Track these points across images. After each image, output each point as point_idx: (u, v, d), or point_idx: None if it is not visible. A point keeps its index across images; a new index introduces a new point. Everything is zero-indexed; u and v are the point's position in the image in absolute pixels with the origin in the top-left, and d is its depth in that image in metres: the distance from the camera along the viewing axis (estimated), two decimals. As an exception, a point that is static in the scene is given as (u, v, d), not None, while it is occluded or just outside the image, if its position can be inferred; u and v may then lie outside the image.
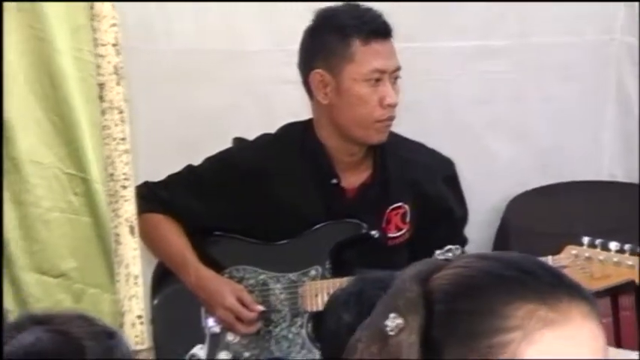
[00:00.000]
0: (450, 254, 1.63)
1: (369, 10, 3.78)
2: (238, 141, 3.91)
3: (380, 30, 3.71)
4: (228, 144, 3.90)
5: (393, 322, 1.61)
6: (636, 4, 4.57)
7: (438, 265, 1.65)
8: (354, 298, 2.93)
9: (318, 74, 3.72)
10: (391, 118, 3.74)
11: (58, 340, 1.75)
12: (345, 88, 3.71)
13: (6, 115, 3.34)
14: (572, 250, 3.59)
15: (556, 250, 3.60)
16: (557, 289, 1.63)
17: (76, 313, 1.86)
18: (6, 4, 3.26)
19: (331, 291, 3.50)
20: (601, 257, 3.57)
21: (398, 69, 3.73)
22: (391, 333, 1.62)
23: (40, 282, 3.41)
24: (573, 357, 1.60)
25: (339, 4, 3.85)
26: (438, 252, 1.65)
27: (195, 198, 3.83)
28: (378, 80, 3.70)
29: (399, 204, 3.81)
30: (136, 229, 3.26)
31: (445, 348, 1.63)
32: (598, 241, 3.59)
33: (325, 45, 3.73)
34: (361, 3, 3.81)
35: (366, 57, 3.69)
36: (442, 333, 1.64)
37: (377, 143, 3.78)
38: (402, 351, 1.62)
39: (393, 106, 3.71)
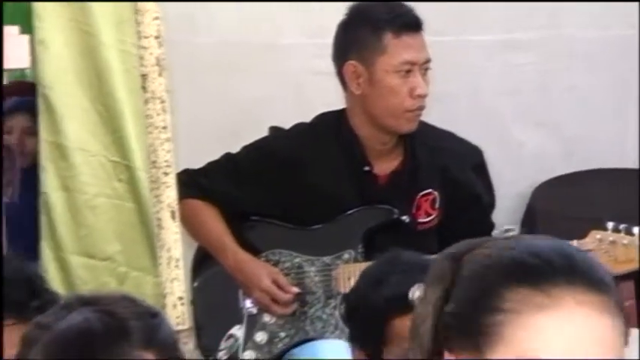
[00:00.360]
0: (510, 234, 1.65)
1: (401, 4, 3.79)
2: (274, 130, 3.94)
3: (411, 23, 3.73)
4: (264, 133, 3.94)
5: (414, 294, 1.59)
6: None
7: (473, 244, 1.65)
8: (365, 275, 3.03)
9: (351, 66, 3.74)
10: (421, 108, 3.75)
11: (105, 320, 1.75)
12: (378, 79, 3.73)
13: (55, 104, 3.35)
14: (596, 234, 3.60)
15: (581, 235, 3.60)
16: (557, 274, 1.61)
17: (121, 294, 1.86)
18: None
19: None
20: (625, 241, 3.58)
21: (428, 61, 3.75)
22: (416, 303, 1.67)
23: (87, 265, 3.41)
24: (562, 343, 1.59)
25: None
26: (496, 232, 1.68)
27: (234, 184, 3.84)
28: (408, 72, 3.71)
29: (429, 190, 3.82)
30: (177, 214, 3.29)
31: (449, 318, 1.65)
32: (622, 226, 3.60)
33: (358, 38, 3.75)
34: None
35: (397, 49, 3.71)
36: (452, 308, 1.65)
37: (407, 132, 3.79)
38: (419, 321, 1.66)
39: (422, 96, 3.72)
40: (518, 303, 1.60)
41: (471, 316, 1.63)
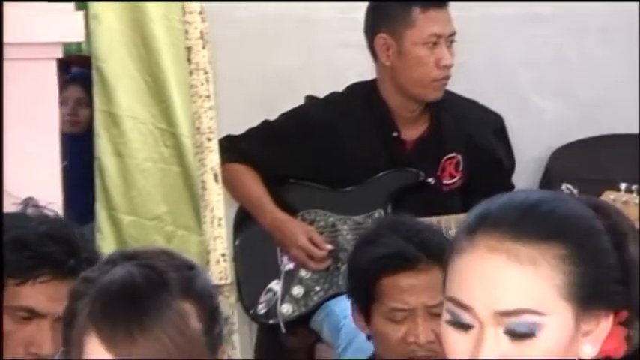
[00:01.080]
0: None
1: None
2: (310, 98, 3.94)
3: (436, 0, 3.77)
4: (300, 101, 3.94)
5: None
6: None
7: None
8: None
9: (382, 38, 3.77)
10: (446, 78, 3.78)
11: (145, 272, 1.75)
12: (406, 51, 3.76)
13: (108, 75, 3.36)
14: (610, 195, 3.62)
15: (595, 195, 3.51)
16: (483, 223, 1.63)
17: (160, 249, 1.86)
18: None
19: None
20: (636, 201, 3.61)
21: (453, 34, 3.77)
22: None
23: (137, 224, 3.43)
24: (470, 284, 1.62)
25: None
26: None
27: (271, 149, 3.85)
28: (435, 44, 3.74)
29: (453, 154, 3.85)
30: (220, 177, 3.34)
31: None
32: (634, 187, 3.62)
33: (389, 13, 3.78)
34: None
35: (424, 23, 3.73)
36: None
37: (433, 100, 3.82)
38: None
39: (448, 66, 3.75)
40: (456, 247, 1.64)
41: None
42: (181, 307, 1.73)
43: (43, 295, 2.44)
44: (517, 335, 1.58)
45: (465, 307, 1.61)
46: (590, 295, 1.60)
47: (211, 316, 1.78)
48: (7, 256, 2.45)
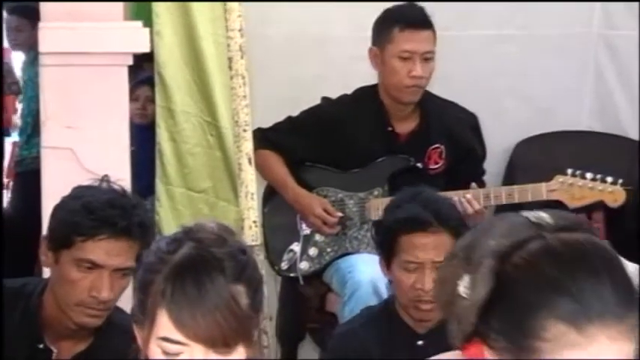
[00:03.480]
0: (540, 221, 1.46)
1: (414, 7, 3.77)
2: (324, 99, 3.96)
3: (415, 22, 3.71)
4: (317, 102, 3.95)
5: (463, 287, 1.48)
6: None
7: (520, 241, 1.46)
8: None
9: (372, 50, 3.79)
10: (417, 85, 3.73)
11: (206, 261, 1.70)
12: (386, 62, 3.76)
13: (167, 79, 3.34)
14: (559, 178, 3.63)
15: (548, 178, 3.64)
16: (592, 311, 1.40)
17: (218, 231, 1.77)
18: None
19: None
20: (579, 184, 3.62)
21: (428, 52, 3.71)
22: (463, 295, 1.49)
23: (187, 196, 3.41)
24: None
25: (402, 3, 3.84)
26: (525, 214, 1.49)
27: (293, 139, 3.86)
28: (407, 58, 3.70)
29: (437, 145, 3.85)
30: (253, 160, 3.38)
31: (493, 322, 1.46)
32: (578, 172, 3.63)
33: (379, 30, 3.79)
34: (418, 2, 3.81)
35: (400, 40, 3.71)
36: (497, 310, 1.46)
37: (409, 102, 3.80)
38: (463, 311, 1.49)
39: (417, 77, 3.70)
40: (554, 337, 1.40)
41: (517, 332, 1.43)
42: (235, 290, 1.69)
43: (101, 250, 2.43)
44: None
45: None
46: None
47: (256, 291, 1.74)
48: (77, 218, 2.44)
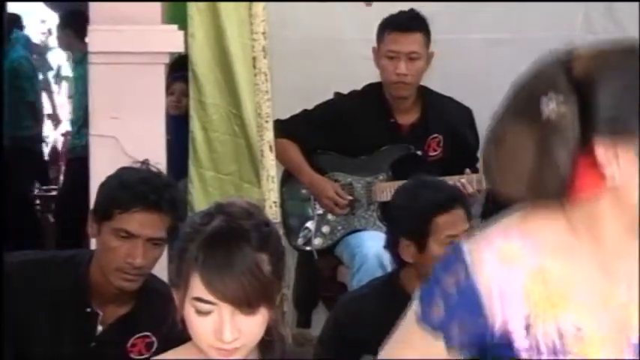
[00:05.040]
0: None
1: (405, 13, 3.76)
2: (336, 94, 3.98)
3: (401, 26, 3.72)
4: (331, 97, 3.98)
5: (551, 105, 1.33)
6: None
7: (566, 57, 1.39)
8: (404, 189, 3.01)
9: (374, 50, 3.82)
10: (402, 82, 3.74)
11: (235, 231, 1.71)
12: (379, 59, 3.79)
13: (199, 75, 3.34)
14: None
15: None
16: None
17: (246, 207, 1.77)
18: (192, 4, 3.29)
19: (392, 189, 3.54)
20: None
21: (413, 52, 3.70)
22: (552, 115, 1.34)
23: (216, 178, 3.42)
24: None
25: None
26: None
27: (308, 129, 3.87)
28: (393, 57, 3.73)
29: (435, 135, 3.87)
30: (273, 148, 3.39)
31: (604, 116, 1.33)
32: None
33: (377, 33, 3.81)
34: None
35: (388, 41, 3.75)
36: (600, 103, 1.33)
37: (398, 97, 3.82)
38: (563, 124, 1.34)
39: (401, 75, 3.72)
40: None
41: (627, 103, 1.31)
42: (259, 258, 1.70)
43: (136, 221, 2.45)
44: None
45: None
46: None
47: (279, 260, 1.74)
48: (115, 193, 2.48)
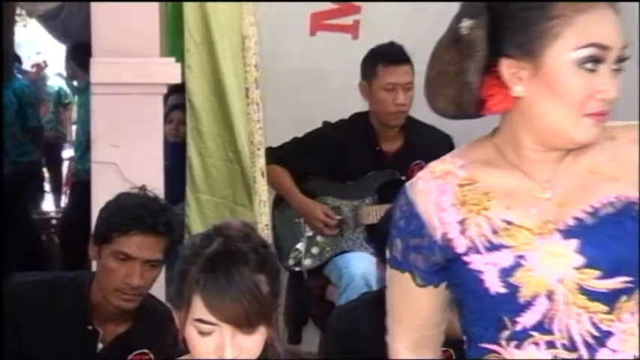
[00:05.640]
0: None
1: (394, 46, 3.77)
2: (325, 122, 3.99)
3: (395, 59, 3.75)
4: (319, 124, 4.00)
5: (465, 23, 1.44)
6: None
7: None
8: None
9: (362, 84, 3.83)
10: (401, 111, 3.76)
11: (234, 254, 1.70)
12: (374, 93, 3.79)
13: (196, 104, 3.35)
14: None
15: None
16: None
17: (244, 229, 1.76)
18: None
19: (378, 212, 3.62)
20: None
21: (408, 83, 3.72)
22: (465, 32, 1.46)
23: (212, 201, 3.42)
24: (604, 28, 1.42)
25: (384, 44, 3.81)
26: None
27: (298, 155, 3.87)
28: (391, 89, 3.75)
29: (418, 161, 3.84)
30: (265, 174, 3.37)
31: (506, 36, 1.45)
32: None
33: (366, 67, 3.82)
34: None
35: (384, 75, 3.76)
36: (503, 26, 1.45)
37: (394, 125, 3.83)
38: (474, 43, 1.45)
39: (401, 104, 3.75)
40: (564, 8, 1.42)
41: (526, 27, 1.42)
42: (257, 279, 1.69)
43: (133, 244, 2.47)
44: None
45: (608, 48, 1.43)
46: None
47: (275, 279, 1.73)
48: (114, 217, 2.50)
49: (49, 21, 7.64)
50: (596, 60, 1.42)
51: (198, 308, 1.69)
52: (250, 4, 3.35)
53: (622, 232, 1.45)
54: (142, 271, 2.48)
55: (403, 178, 3.84)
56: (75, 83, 6.97)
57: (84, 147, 5.62)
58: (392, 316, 1.65)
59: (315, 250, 3.86)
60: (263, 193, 3.37)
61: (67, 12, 7.16)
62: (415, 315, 1.61)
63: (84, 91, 5.86)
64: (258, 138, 3.39)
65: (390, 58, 3.75)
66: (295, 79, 4.24)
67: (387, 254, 1.62)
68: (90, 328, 2.54)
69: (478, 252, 1.49)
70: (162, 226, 2.49)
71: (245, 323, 1.68)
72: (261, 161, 3.38)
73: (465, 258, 1.50)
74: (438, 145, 3.88)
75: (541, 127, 1.46)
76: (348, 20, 4.28)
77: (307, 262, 3.83)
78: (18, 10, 7.64)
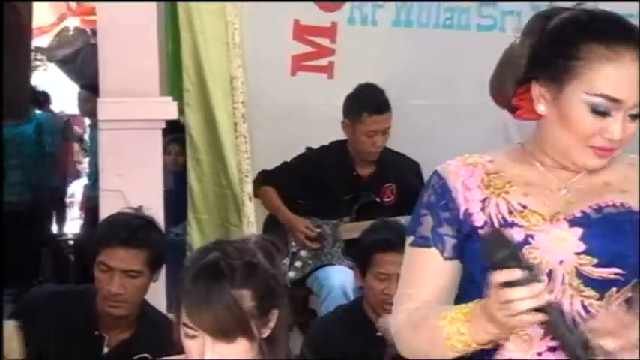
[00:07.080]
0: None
1: (378, 93, 3.74)
2: (308, 149, 4.00)
3: (380, 108, 3.73)
4: (303, 151, 4.00)
5: (515, 39, 1.49)
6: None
7: (557, 9, 1.50)
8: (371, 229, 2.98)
9: (344, 123, 3.82)
10: (378, 151, 3.77)
11: (220, 267, 1.64)
12: (356, 135, 3.80)
13: (194, 137, 3.39)
14: None
15: None
16: (618, 35, 1.43)
17: (241, 246, 1.68)
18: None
19: (358, 228, 3.52)
20: None
21: (387, 128, 3.74)
22: (515, 44, 1.50)
23: (209, 221, 3.46)
24: (620, 82, 1.42)
25: (369, 88, 3.77)
26: None
27: (285, 178, 3.84)
28: (371, 136, 3.76)
29: (389, 184, 3.89)
30: (252, 198, 3.43)
31: (541, 61, 1.47)
32: None
33: (351, 109, 3.82)
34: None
35: (367, 122, 3.75)
36: (542, 52, 1.47)
37: (371, 160, 3.83)
38: (518, 57, 1.48)
39: (379, 147, 3.76)
40: (592, 53, 1.42)
41: (556, 59, 1.44)
42: (239, 293, 1.61)
43: (115, 256, 2.47)
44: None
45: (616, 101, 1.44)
46: None
47: (265, 294, 1.64)
48: (101, 232, 2.55)
49: (66, 65, 7.72)
50: (605, 108, 1.43)
51: (184, 313, 1.67)
52: (237, 49, 3.40)
53: (621, 229, 1.47)
54: (121, 280, 2.46)
55: (377, 199, 3.89)
56: (87, 120, 7.05)
57: (95, 176, 5.67)
58: (409, 284, 1.59)
59: (298, 263, 3.83)
60: (251, 215, 3.43)
61: (82, 57, 7.26)
62: (435, 283, 1.56)
63: (95, 126, 5.92)
64: (245, 167, 3.44)
65: (375, 107, 3.72)
66: (279, 114, 4.18)
67: (409, 239, 1.59)
68: (97, 333, 2.57)
69: (492, 225, 1.51)
70: (139, 240, 2.47)
71: (219, 334, 1.62)
72: (248, 187, 3.43)
73: (481, 231, 1.51)
74: (407, 169, 3.98)
75: (553, 146, 1.51)
76: (324, 61, 4.26)
77: (291, 274, 3.80)
78: (39, 56, 7.73)
